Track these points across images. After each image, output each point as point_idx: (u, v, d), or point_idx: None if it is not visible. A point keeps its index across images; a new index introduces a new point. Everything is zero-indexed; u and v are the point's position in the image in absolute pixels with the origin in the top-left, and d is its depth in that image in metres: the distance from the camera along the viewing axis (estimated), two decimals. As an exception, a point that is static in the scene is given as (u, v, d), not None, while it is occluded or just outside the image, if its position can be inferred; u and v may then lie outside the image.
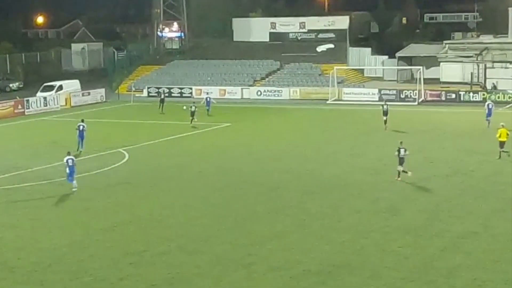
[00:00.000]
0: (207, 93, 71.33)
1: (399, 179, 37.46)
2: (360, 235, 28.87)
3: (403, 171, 37.48)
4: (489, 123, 52.77)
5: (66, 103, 73.83)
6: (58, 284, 24.41)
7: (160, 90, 76.13)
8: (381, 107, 55.71)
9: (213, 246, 27.93)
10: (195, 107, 58.71)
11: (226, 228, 30.28)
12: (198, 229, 30.27)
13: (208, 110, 63.32)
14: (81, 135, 48.16)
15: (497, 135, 42.61)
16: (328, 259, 26.17)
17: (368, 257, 26.32)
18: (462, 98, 70.02)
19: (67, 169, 36.94)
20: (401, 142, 38.17)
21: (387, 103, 56.47)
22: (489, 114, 53.58)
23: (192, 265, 25.83)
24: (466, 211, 32.04)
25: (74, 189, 36.88)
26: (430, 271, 24.70)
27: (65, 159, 37.01)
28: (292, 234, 29.43)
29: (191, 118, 57.95)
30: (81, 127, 48.34)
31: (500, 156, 42.28)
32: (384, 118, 54.30)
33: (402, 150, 37.60)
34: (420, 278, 24.11)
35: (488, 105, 54.56)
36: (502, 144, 42.29)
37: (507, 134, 42.30)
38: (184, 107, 59.30)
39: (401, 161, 37.57)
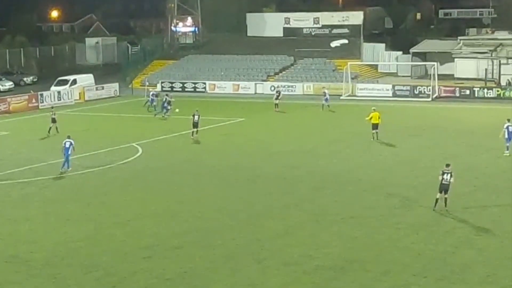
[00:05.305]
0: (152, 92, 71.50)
1: (192, 137, 49.24)
2: (373, 231, 28.85)
3: (196, 131, 49.34)
4: (323, 107, 62.85)
5: (80, 97, 74.09)
6: (71, 278, 24.49)
7: (53, 109, 55.53)
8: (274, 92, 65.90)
9: (226, 240, 27.97)
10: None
11: (239, 223, 30.32)
12: (211, 223, 30.32)
13: (150, 106, 64.38)
14: (152, 101, 63.04)
15: (368, 118, 48.18)
16: (341, 255, 26.16)
17: (381, 253, 26.29)
18: (476, 94, 69.72)
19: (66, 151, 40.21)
20: (197, 110, 49.63)
21: (279, 89, 67.60)
22: (326, 100, 63.14)
23: (205, 260, 25.87)
24: (479, 208, 31.95)
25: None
26: (443, 267, 24.65)
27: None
28: (305, 229, 29.43)
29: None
30: (150, 95, 64.25)
31: (377, 137, 47.64)
32: (275, 102, 63.56)
33: (196, 117, 49.19)
34: (433, 274, 24.06)
35: (324, 93, 64.08)
36: (375, 126, 47.93)
37: (379, 117, 48.02)
38: (177, 110, 59.18)
39: (196, 125, 49.28)
